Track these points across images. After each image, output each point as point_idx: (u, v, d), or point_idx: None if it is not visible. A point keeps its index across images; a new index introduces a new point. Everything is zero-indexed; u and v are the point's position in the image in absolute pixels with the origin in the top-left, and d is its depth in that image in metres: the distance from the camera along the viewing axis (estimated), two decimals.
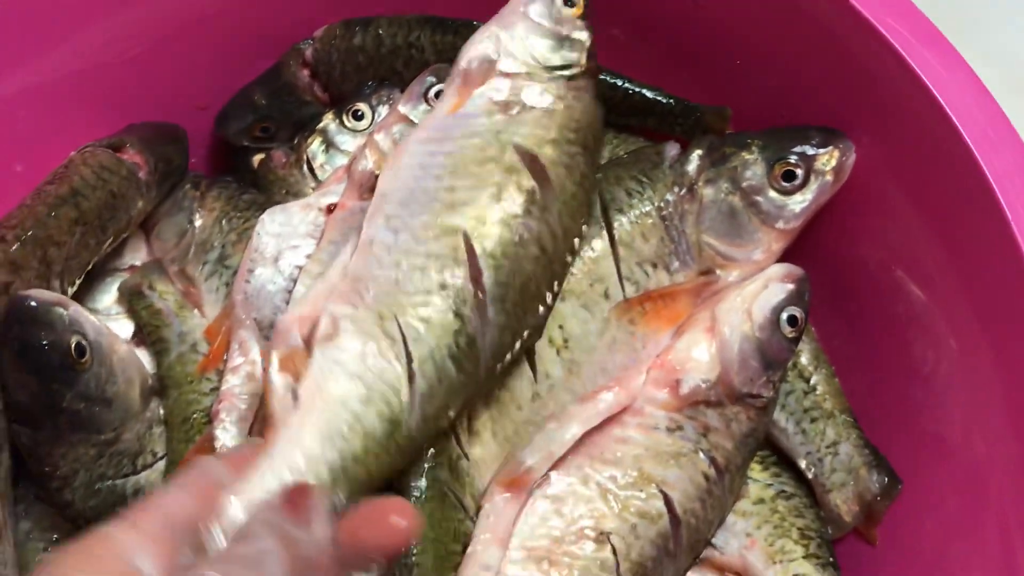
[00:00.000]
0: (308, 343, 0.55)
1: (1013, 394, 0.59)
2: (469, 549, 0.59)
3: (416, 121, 0.69)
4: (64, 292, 0.65)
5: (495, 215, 0.58)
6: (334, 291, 0.57)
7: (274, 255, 0.66)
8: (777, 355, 0.63)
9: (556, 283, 0.62)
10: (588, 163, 0.63)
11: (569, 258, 0.62)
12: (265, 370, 0.55)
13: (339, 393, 0.53)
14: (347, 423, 0.53)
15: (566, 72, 0.64)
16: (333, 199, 0.67)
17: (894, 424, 0.69)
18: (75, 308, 0.62)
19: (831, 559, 0.65)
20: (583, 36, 0.65)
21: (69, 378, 0.60)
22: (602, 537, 0.59)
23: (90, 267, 0.67)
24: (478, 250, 0.57)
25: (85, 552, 0.39)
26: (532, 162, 0.60)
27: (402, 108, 0.70)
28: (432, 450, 0.59)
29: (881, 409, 0.70)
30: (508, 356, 0.60)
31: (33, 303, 0.59)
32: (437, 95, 0.70)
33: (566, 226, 0.61)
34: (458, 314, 0.56)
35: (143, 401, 0.65)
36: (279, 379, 0.54)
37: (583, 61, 0.64)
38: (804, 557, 0.65)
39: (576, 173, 0.62)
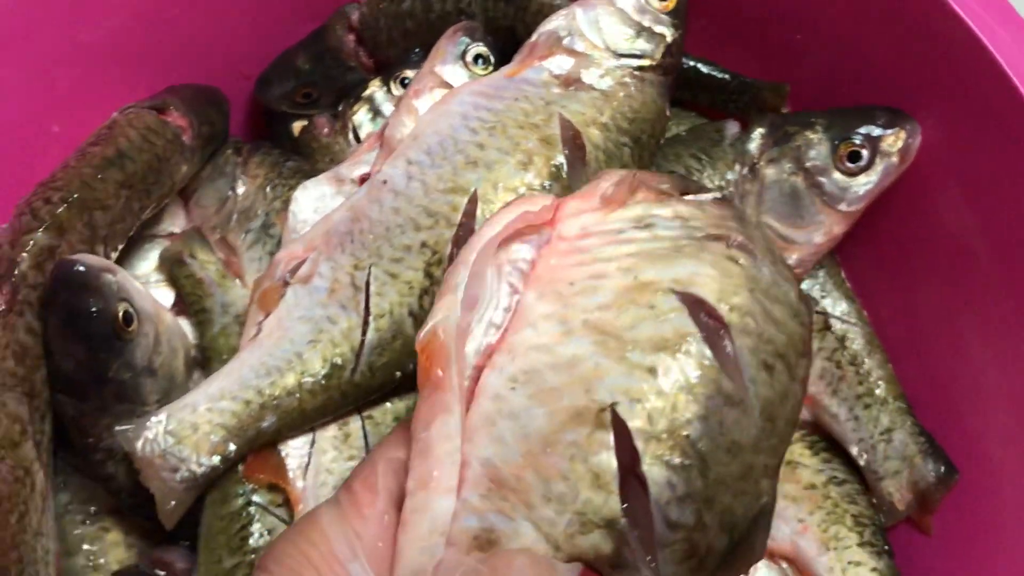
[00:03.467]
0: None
1: None
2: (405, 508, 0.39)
3: (455, 85, 0.66)
4: (108, 257, 0.63)
5: (512, 182, 0.58)
6: (332, 228, 0.59)
7: None
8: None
9: None
10: (635, 156, 0.62)
11: None
12: (249, 303, 0.60)
13: (290, 331, 0.58)
14: (286, 359, 0.57)
15: (634, 62, 0.63)
16: (366, 169, 0.65)
17: (949, 410, 0.68)
18: (123, 274, 0.60)
19: (886, 547, 0.65)
20: (666, 31, 0.64)
21: (116, 347, 0.58)
22: (603, 410, 0.38)
23: (133, 232, 0.65)
24: (480, 213, 0.57)
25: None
26: (574, 139, 0.60)
27: (439, 69, 0.67)
28: None
29: (936, 395, 0.69)
30: None
31: (81, 268, 0.57)
32: (476, 59, 0.67)
33: None
34: (428, 275, 0.57)
35: (187, 372, 0.63)
36: (252, 313, 0.60)
37: (657, 55, 0.63)
38: (859, 544, 0.64)
39: (616, 163, 0.61)
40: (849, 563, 0.63)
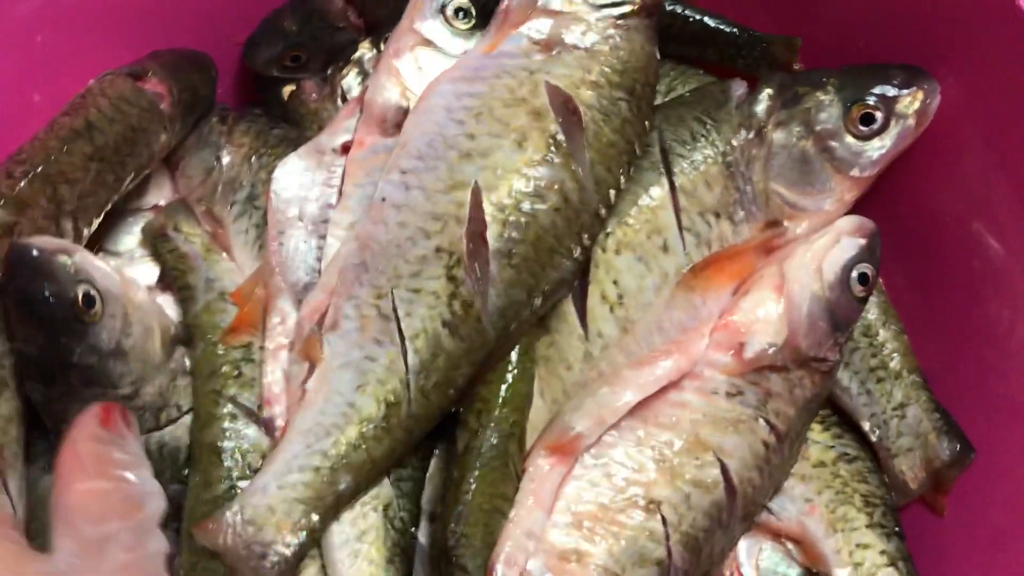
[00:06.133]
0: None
1: None
2: (511, 514, 0.55)
3: (436, 42, 0.63)
4: (79, 233, 0.61)
5: (512, 164, 0.56)
6: (344, 267, 0.57)
7: (297, 214, 0.61)
8: (846, 315, 0.59)
9: (586, 236, 0.58)
10: (633, 109, 0.59)
11: (603, 211, 0.58)
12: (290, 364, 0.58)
13: (334, 384, 0.55)
14: (340, 412, 0.54)
15: (616, 11, 0.59)
16: (346, 137, 0.62)
17: (965, 385, 0.65)
18: (81, 254, 0.57)
19: (896, 528, 0.62)
20: None
21: (77, 331, 0.56)
22: (652, 506, 0.56)
23: (109, 206, 0.63)
24: (487, 204, 0.55)
25: None
26: (565, 105, 0.57)
27: (418, 26, 0.63)
28: (512, 419, 0.57)
29: (951, 368, 0.66)
30: (526, 313, 0.57)
31: (34, 252, 0.55)
32: (457, 12, 0.63)
33: (599, 177, 0.57)
34: (451, 278, 0.55)
35: (165, 352, 0.61)
36: (293, 372, 0.58)
37: None
38: (868, 526, 0.61)
39: (616, 120, 0.58)
40: (857, 545, 0.61)
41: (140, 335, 0.59)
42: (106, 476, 0.50)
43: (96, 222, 0.62)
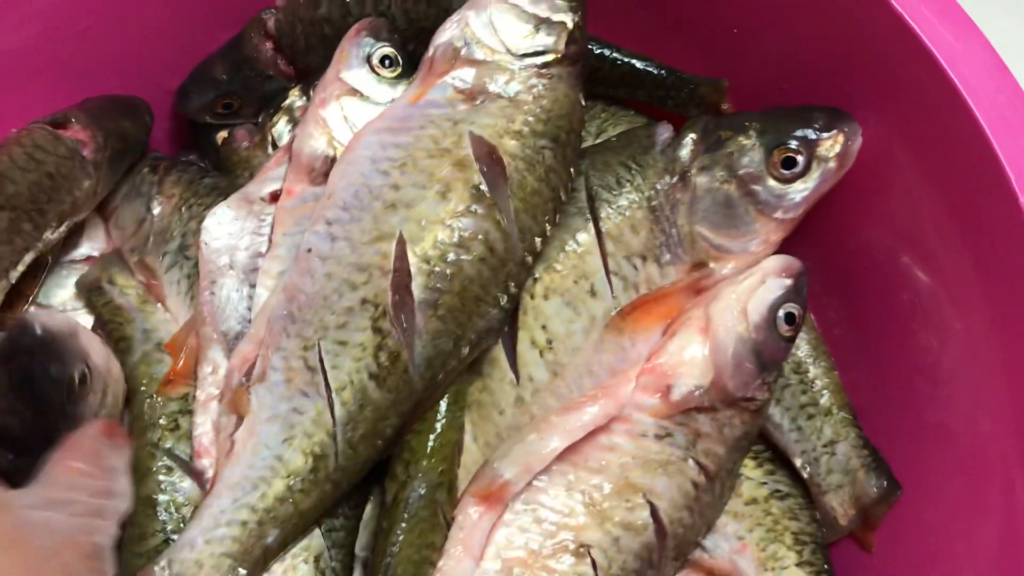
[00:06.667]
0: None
1: (1016, 371, 0.57)
2: (440, 564, 0.56)
3: (363, 91, 0.64)
4: None
5: (436, 215, 0.56)
6: (272, 317, 0.57)
7: (228, 263, 0.61)
8: (773, 356, 0.59)
9: (512, 284, 0.58)
10: (558, 157, 0.59)
11: (529, 258, 0.59)
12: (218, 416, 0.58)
13: (262, 437, 0.55)
14: (267, 466, 0.55)
15: (538, 59, 0.59)
16: (275, 185, 0.63)
17: (898, 414, 0.65)
18: (85, 335, 0.59)
19: (826, 566, 0.63)
20: (565, 18, 0.60)
21: (68, 411, 0.57)
22: (582, 550, 0.57)
23: (35, 255, 0.63)
24: (412, 255, 0.55)
25: None
26: (489, 155, 0.57)
27: (344, 75, 0.63)
28: (441, 468, 0.57)
29: (883, 400, 0.66)
30: (454, 362, 0.57)
31: (40, 331, 0.56)
32: (383, 61, 0.64)
33: (524, 225, 0.58)
34: (377, 330, 0.55)
35: (122, 414, 0.62)
36: (222, 423, 0.58)
37: (560, 47, 0.60)
38: (797, 564, 0.62)
39: (540, 168, 0.58)
40: None
41: (111, 406, 0.61)
42: (96, 464, 0.56)
43: (16, 271, 0.62)
